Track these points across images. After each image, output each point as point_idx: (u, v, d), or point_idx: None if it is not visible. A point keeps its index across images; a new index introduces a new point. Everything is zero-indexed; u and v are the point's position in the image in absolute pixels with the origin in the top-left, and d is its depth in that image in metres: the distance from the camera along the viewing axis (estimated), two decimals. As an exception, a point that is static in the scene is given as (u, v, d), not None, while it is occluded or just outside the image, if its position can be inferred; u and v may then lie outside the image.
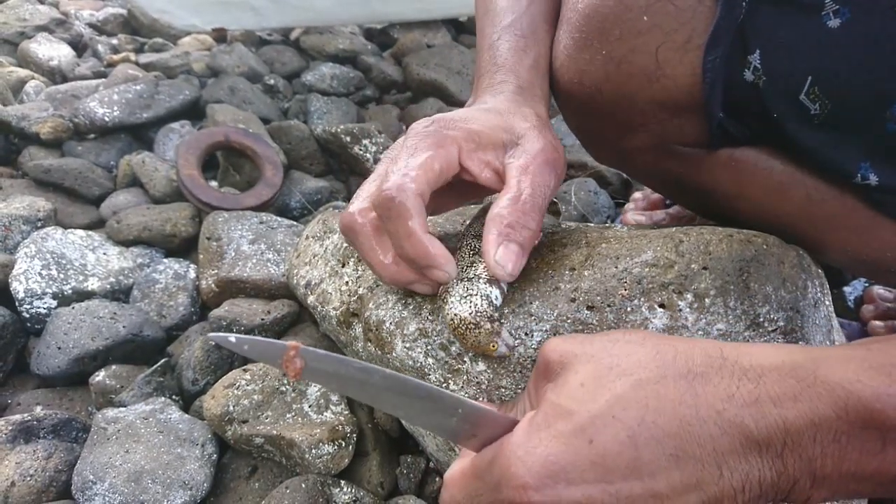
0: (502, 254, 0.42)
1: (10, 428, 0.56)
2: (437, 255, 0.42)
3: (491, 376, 0.46)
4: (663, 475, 0.31)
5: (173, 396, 0.65)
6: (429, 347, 0.48)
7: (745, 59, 0.43)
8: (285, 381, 0.61)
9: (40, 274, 0.71)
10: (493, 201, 0.44)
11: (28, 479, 0.54)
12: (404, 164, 0.42)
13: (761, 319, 0.44)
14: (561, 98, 0.52)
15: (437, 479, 0.60)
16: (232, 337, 0.33)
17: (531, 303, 0.46)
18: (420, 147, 0.43)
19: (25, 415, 0.58)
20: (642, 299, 0.44)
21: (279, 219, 0.84)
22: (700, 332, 0.43)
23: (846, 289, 0.90)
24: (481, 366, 0.46)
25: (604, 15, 0.45)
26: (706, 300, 0.44)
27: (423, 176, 0.42)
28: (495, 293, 0.44)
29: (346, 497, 0.54)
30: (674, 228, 0.49)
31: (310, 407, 0.59)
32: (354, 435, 0.57)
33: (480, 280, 0.44)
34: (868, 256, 0.48)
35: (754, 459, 0.31)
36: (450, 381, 0.47)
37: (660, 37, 0.43)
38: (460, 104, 1.17)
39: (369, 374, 0.35)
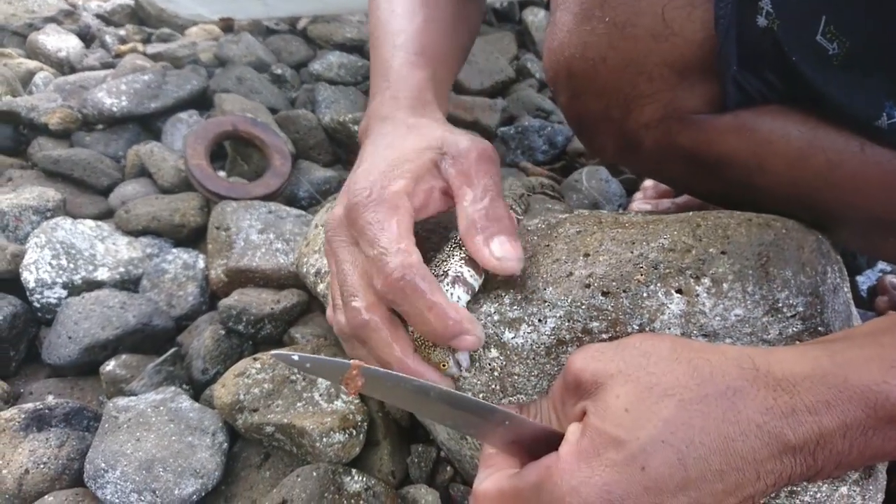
0: (498, 250, 0.43)
1: (22, 416, 0.56)
2: (462, 321, 0.42)
3: (504, 363, 0.46)
4: (708, 487, 0.33)
5: (183, 385, 0.64)
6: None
7: (756, 4, 0.41)
8: (296, 370, 0.61)
9: (50, 264, 0.71)
10: (456, 215, 0.45)
11: (41, 466, 0.54)
12: (386, 241, 0.42)
13: (780, 305, 0.43)
14: (559, 82, 0.50)
15: (448, 468, 0.60)
16: (295, 355, 0.34)
17: (544, 289, 0.45)
18: (381, 217, 0.43)
19: (38, 403, 0.58)
20: (659, 284, 0.43)
21: (288, 208, 0.83)
22: (717, 318, 0.42)
23: (859, 278, 0.89)
24: (494, 352, 0.46)
25: None
26: (724, 285, 0.43)
27: (412, 242, 0.43)
28: (458, 293, 0.44)
29: (358, 485, 0.54)
30: (691, 213, 0.48)
31: (320, 396, 0.59)
32: (365, 424, 0.57)
33: (446, 279, 0.44)
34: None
35: (788, 460, 0.33)
36: (462, 368, 0.47)
37: None
38: (468, 92, 1.16)
39: (426, 391, 0.37)
